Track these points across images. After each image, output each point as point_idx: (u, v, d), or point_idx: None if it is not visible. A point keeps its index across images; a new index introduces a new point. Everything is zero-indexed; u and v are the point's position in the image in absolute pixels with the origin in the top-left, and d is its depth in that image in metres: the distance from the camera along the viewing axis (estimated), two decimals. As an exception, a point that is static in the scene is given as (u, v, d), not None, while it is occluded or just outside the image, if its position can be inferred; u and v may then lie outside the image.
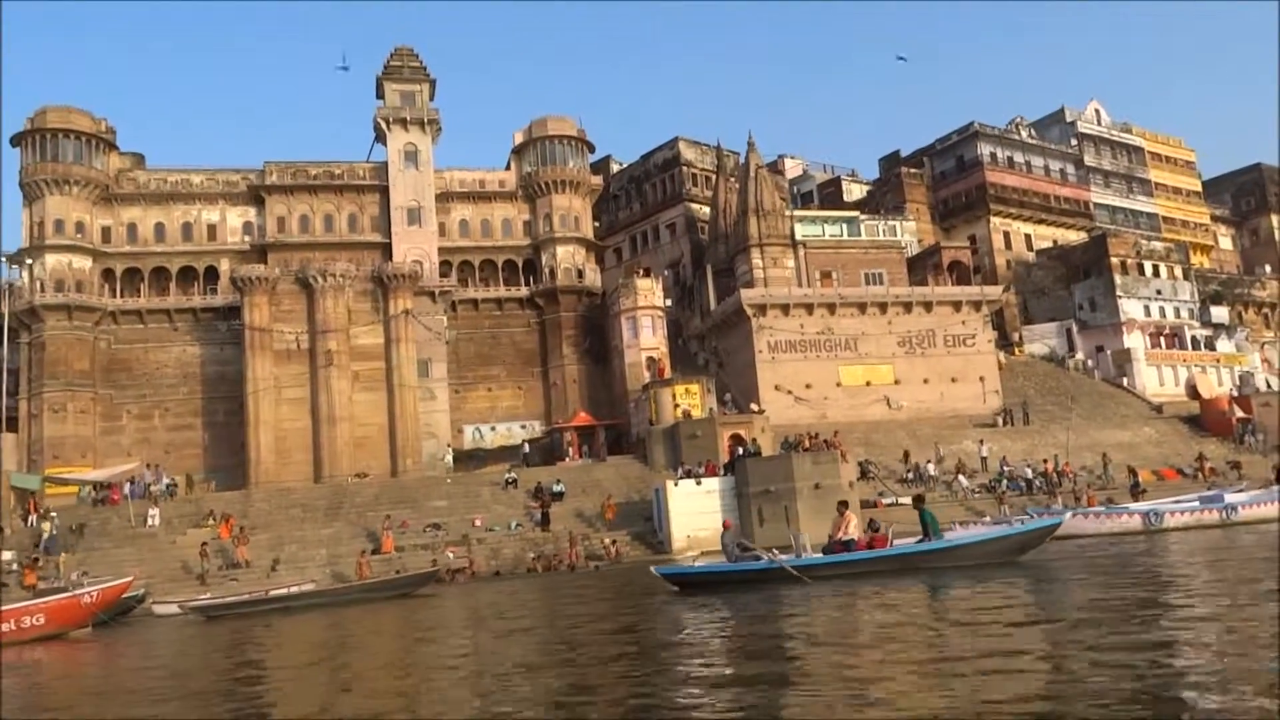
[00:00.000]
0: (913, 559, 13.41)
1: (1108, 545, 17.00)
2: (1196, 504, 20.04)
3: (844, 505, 15.12)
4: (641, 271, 49.46)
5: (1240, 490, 22.51)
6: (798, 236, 47.06)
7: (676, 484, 30.19)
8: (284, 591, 20.99)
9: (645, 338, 44.77)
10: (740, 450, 31.17)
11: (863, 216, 50.76)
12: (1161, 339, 51.64)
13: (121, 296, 44.59)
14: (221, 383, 43.81)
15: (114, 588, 17.99)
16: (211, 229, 46.55)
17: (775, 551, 13.86)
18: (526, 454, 42.11)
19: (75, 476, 35.49)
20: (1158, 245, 54.50)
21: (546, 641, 10.13)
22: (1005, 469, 36.66)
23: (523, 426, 47.16)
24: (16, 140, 44.08)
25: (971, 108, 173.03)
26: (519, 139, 50.11)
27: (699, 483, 30.22)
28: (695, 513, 29.30)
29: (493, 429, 47.04)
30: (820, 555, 13.71)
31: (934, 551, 13.46)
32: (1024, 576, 11.87)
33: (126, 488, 34.05)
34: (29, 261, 43.42)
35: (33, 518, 30.02)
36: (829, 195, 60.88)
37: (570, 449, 42.52)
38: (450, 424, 45.42)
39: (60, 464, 39.89)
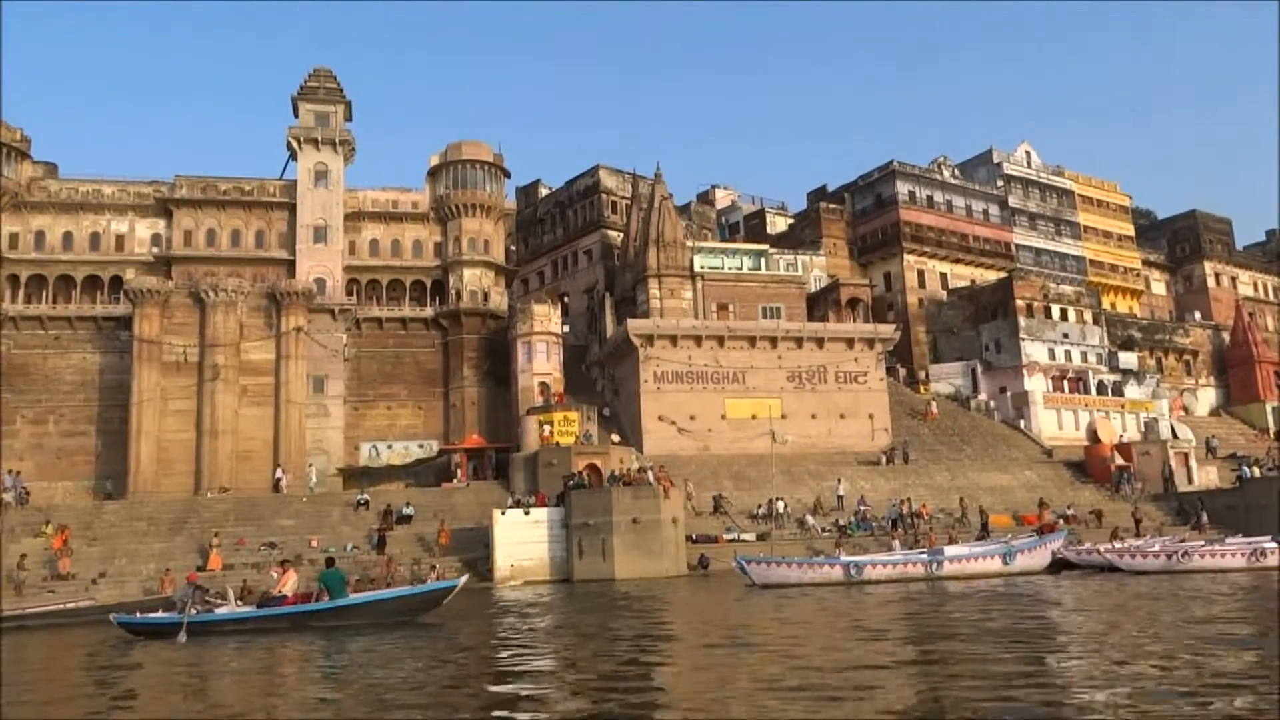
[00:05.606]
0: (305, 618, 14.01)
1: (798, 595, 17.35)
2: (905, 556, 20.35)
3: (286, 564, 16.83)
4: (552, 299, 49.97)
5: (1008, 542, 22.77)
6: (696, 268, 47.51)
7: (504, 513, 30.54)
8: (16, 610, 21.40)
9: (539, 363, 45.11)
10: (570, 481, 31.48)
11: (771, 250, 51.19)
12: (1065, 383, 51.93)
13: (27, 303, 45.24)
14: (119, 391, 44.16)
15: None
16: (120, 239, 47.19)
17: (211, 604, 14.77)
18: (418, 473, 42.45)
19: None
20: (1067, 289, 54.77)
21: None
22: (862, 508, 36.94)
23: (420, 446, 47.50)
24: (-73, 147, 44.87)
25: (919, 146, 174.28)
26: (435, 161, 50.75)
27: (527, 512, 30.53)
28: (519, 542, 29.65)
29: (390, 447, 47.33)
30: (252, 609, 14.63)
31: (326, 611, 14.07)
32: (395, 636, 12.75)
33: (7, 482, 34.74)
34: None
35: None
36: (754, 227, 61.39)
37: (459, 470, 42.94)
38: (345, 441, 45.93)
39: (-53, 466, 40.38)
